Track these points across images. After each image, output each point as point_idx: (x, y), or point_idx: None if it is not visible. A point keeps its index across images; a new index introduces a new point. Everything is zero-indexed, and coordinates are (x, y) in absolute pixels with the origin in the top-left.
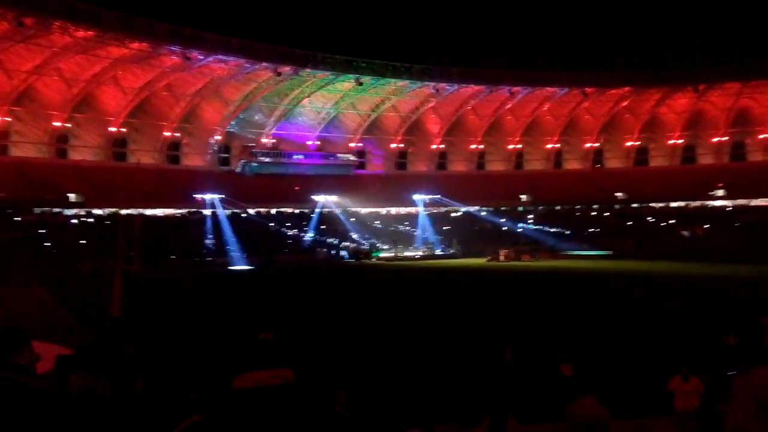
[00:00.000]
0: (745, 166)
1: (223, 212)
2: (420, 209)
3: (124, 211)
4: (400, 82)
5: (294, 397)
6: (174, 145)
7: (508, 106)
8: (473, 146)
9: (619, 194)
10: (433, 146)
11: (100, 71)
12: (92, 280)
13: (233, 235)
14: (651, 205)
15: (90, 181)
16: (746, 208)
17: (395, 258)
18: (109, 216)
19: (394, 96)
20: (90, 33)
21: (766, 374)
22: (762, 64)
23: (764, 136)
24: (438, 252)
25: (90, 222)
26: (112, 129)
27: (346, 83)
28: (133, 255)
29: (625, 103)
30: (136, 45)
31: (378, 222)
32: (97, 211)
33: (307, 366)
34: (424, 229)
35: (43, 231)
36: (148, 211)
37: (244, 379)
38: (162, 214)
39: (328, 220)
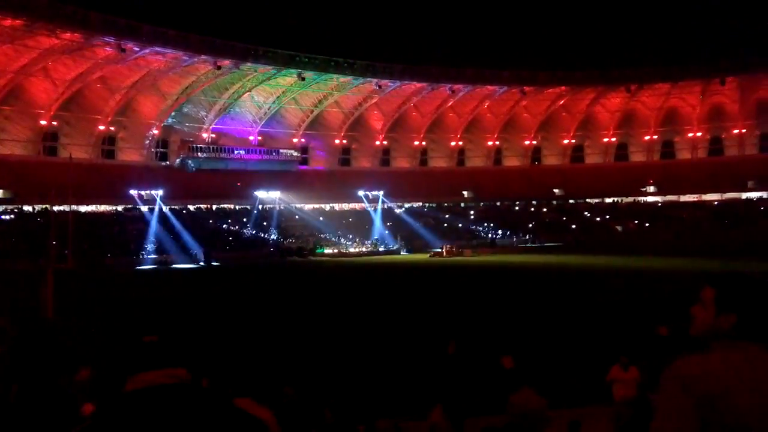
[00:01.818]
0: (674, 163)
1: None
2: (365, 205)
3: (56, 208)
4: (343, 78)
5: (188, 395)
6: (109, 140)
7: (450, 103)
8: (416, 143)
9: (556, 190)
10: (377, 143)
11: (29, 62)
12: (24, 279)
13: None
14: (587, 200)
15: (19, 176)
16: (676, 203)
17: (339, 254)
18: (40, 213)
19: (337, 92)
20: (18, 21)
21: (693, 363)
22: (690, 66)
23: (692, 135)
24: (381, 248)
25: (20, 219)
26: (43, 122)
27: (288, 78)
28: (66, 253)
29: (561, 102)
30: (67, 35)
31: (322, 218)
32: (27, 208)
33: (202, 365)
34: (368, 225)
35: None
36: (82, 208)
37: (135, 380)
38: (97, 211)
39: (270, 216)
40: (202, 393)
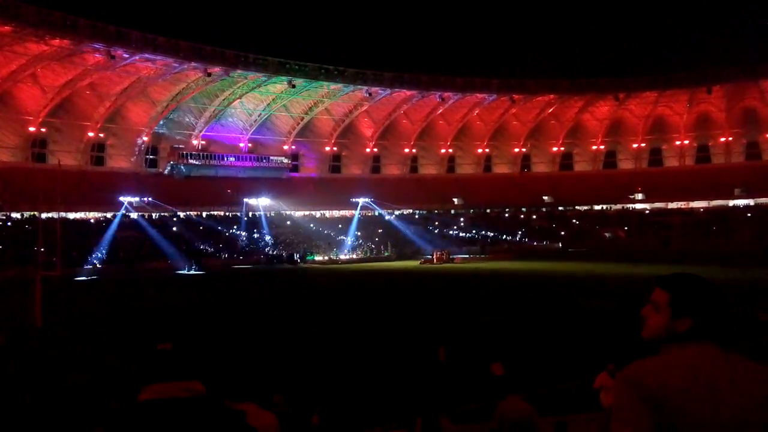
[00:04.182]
0: (662, 170)
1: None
2: (355, 212)
3: (44, 215)
4: (334, 86)
5: (202, 410)
6: (98, 146)
7: (440, 111)
8: (406, 150)
9: (545, 197)
10: (367, 150)
11: (18, 68)
12: (11, 287)
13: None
14: (576, 207)
15: (7, 183)
16: (663, 210)
17: (330, 261)
18: (29, 220)
19: (327, 99)
20: (6, 28)
21: (645, 366)
22: (677, 75)
23: (679, 143)
24: (373, 255)
25: (8, 226)
26: (31, 129)
27: (278, 85)
28: (55, 260)
29: (550, 110)
30: (56, 42)
31: (312, 225)
32: (15, 215)
33: (218, 377)
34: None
35: None
36: (71, 215)
37: (150, 390)
38: (86, 218)
39: (260, 223)
40: (215, 409)
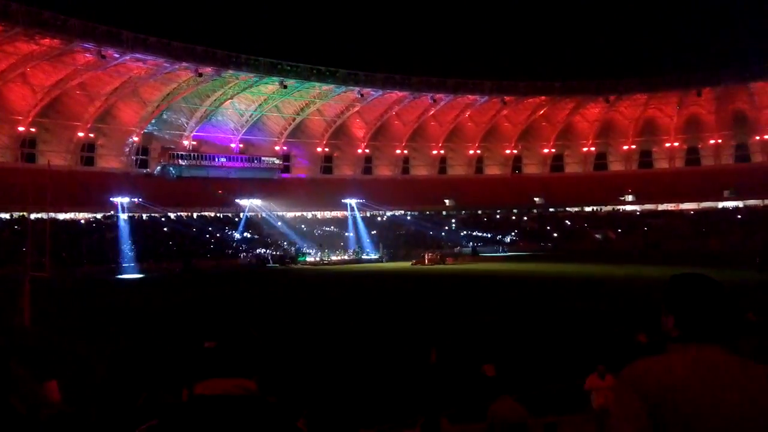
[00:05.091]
0: (652, 172)
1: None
2: (347, 213)
3: (33, 215)
4: (325, 86)
5: (255, 409)
6: (88, 146)
7: (431, 112)
8: (398, 151)
9: (536, 199)
10: (359, 151)
11: (7, 68)
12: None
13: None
14: (566, 209)
15: None
16: (654, 212)
17: (321, 263)
18: (18, 220)
19: (319, 100)
20: None
21: (644, 365)
22: (666, 77)
23: (669, 145)
24: (364, 256)
25: None
26: (21, 129)
27: (270, 86)
28: (44, 261)
29: (541, 112)
30: (47, 41)
31: (304, 226)
32: (4, 215)
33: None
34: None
35: None
36: (61, 216)
37: (203, 386)
38: (75, 218)
39: (252, 224)
40: (268, 409)
